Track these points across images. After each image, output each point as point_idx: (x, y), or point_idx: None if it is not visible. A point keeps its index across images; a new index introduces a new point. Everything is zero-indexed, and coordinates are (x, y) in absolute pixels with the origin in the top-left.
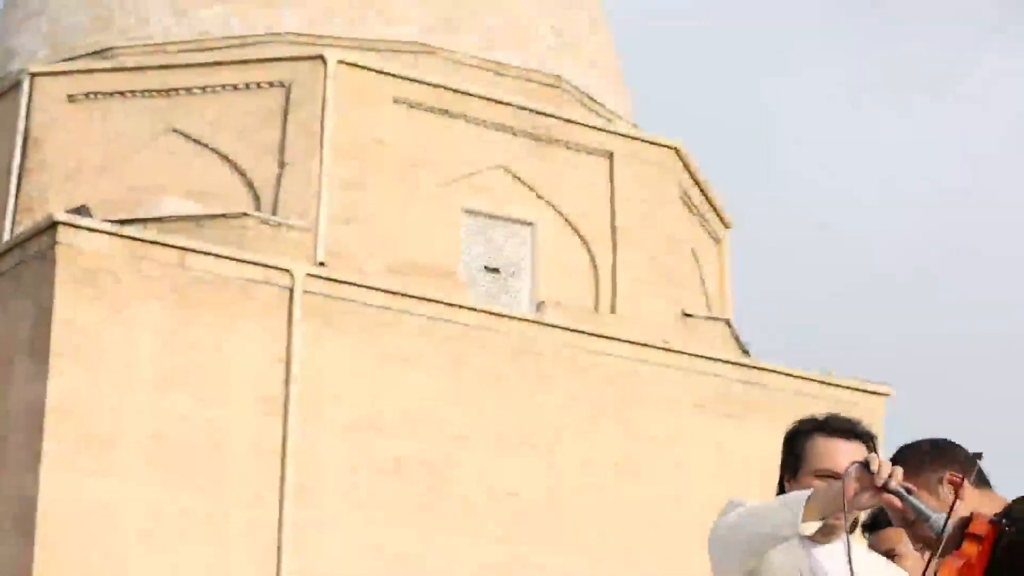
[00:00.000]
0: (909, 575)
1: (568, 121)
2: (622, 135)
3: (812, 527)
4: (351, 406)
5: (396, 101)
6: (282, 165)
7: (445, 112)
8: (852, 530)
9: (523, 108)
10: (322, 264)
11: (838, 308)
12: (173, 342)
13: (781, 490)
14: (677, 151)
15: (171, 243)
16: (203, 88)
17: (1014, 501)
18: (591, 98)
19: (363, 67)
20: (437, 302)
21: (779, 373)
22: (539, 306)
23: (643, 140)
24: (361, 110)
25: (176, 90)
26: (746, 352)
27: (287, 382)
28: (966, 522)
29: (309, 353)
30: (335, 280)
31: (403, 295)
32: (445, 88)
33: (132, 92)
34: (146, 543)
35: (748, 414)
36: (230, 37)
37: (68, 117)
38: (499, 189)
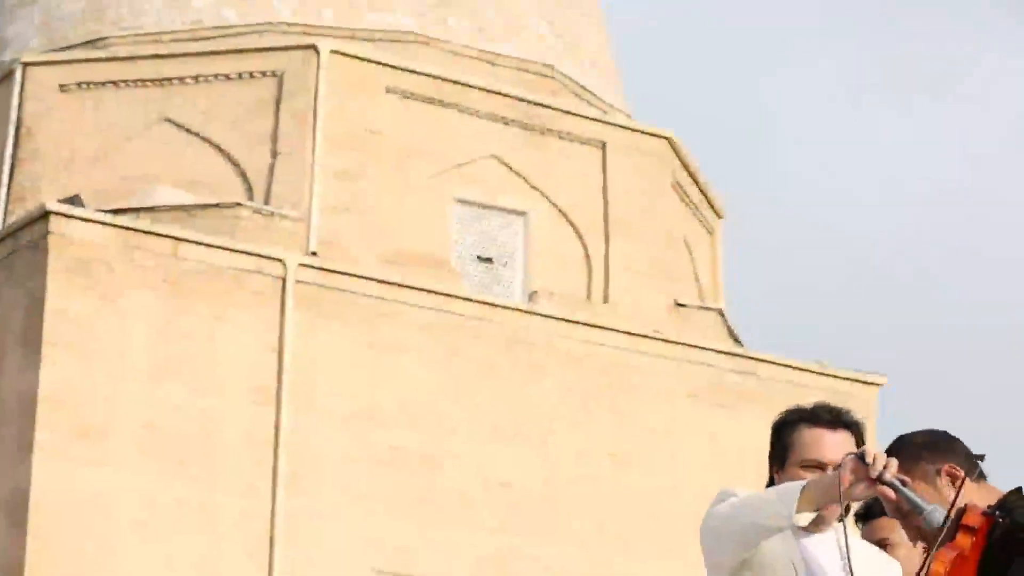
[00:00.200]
0: (901, 564)
1: (561, 111)
2: (615, 125)
3: (806, 518)
4: (344, 396)
5: (389, 91)
6: (275, 155)
7: (438, 102)
8: (846, 514)
9: (516, 98)
10: (315, 254)
11: (831, 298)
12: (166, 332)
13: (771, 481)
14: (670, 142)
15: (164, 233)
16: (196, 78)
17: (1008, 493)
18: (585, 88)
19: (356, 57)
20: (430, 292)
21: (772, 363)
22: (532, 296)
23: (636, 131)
24: (354, 100)
25: (169, 80)
26: (739, 342)
27: (280, 372)
28: (960, 514)
29: (302, 343)
30: (328, 270)
31: (396, 285)
32: (438, 78)
33: (125, 82)
34: (139, 533)
35: (741, 404)
36: (223, 27)
37: (61, 106)
38: (492, 179)
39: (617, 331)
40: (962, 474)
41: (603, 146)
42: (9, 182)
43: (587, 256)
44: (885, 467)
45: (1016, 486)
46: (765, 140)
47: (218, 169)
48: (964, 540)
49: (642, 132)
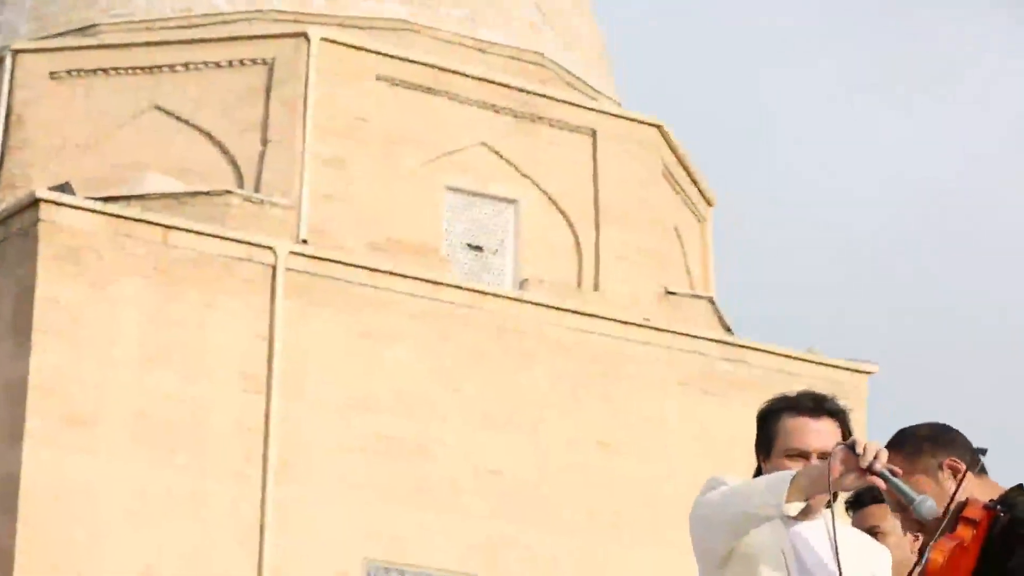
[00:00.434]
0: (891, 552)
1: (551, 99)
2: (606, 113)
3: (796, 507)
4: (334, 384)
5: (379, 78)
6: (265, 142)
7: (428, 90)
8: (834, 500)
9: (507, 86)
10: (305, 242)
11: (822, 287)
12: (156, 319)
13: (758, 471)
14: (661, 129)
15: (154, 220)
16: (186, 65)
17: (1010, 489)
18: (575, 76)
19: (346, 44)
20: (420, 280)
21: (763, 351)
22: (522, 284)
23: (627, 118)
24: (345, 88)
25: (159, 67)
26: (729, 330)
27: (270, 360)
28: (962, 506)
29: (292, 330)
30: (318, 258)
31: (386, 273)
32: (429, 66)
33: (115, 69)
34: (129, 520)
35: (732, 392)
36: (213, 14)
37: (51, 94)
38: (483, 167)
39: (607, 319)
40: (963, 467)
41: (594, 134)
42: None
43: (577, 244)
44: (875, 457)
45: (1018, 483)
46: (758, 130)
47: (208, 157)
48: (965, 532)
49: (633, 120)
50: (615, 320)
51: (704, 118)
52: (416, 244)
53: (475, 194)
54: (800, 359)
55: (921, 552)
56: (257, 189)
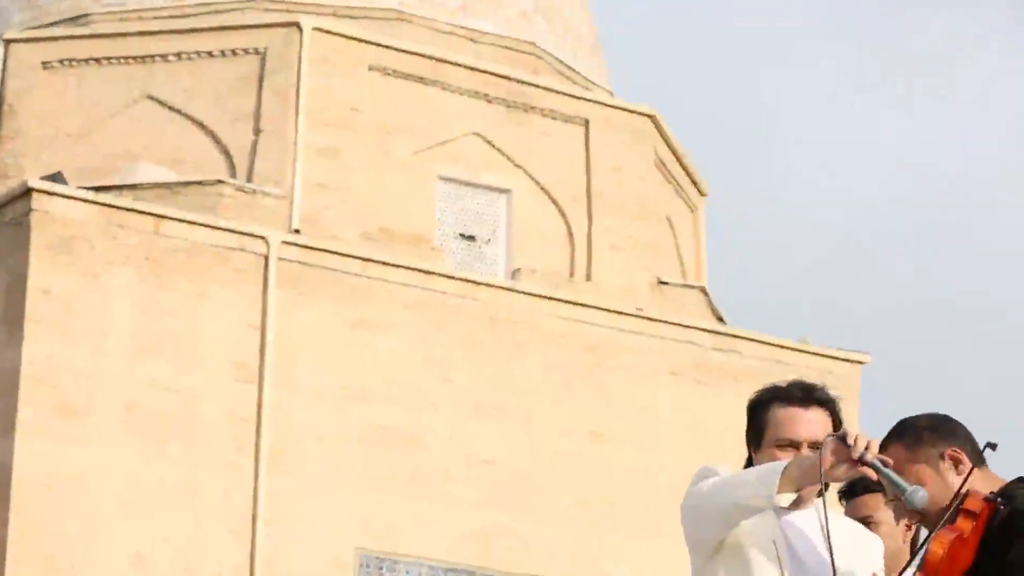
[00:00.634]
0: (883, 542)
1: (544, 89)
2: (598, 103)
3: (787, 498)
4: (327, 373)
5: (371, 68)
6: (257, 132)
7: (421, 79)
8: (825, 489)
9: (499, 76)
10: (297, 231)
11: (815, 276)
12: (148, 309)
13: (749, 461)
14: (653, 119)
15: (146, 210)
16: (178, 55)
17: (1010, 482)
18: (567, 66)
19: (339, 34)
20: (412, 269)
21: (755, 341)
22: (514, 273)
23: (619, 108)
24: (336, 77)
25: (151, 57)
26: (722, 320)
27: (262, 349)
28: (962, 498)
29: (284, 320)
30: (310, 247)
31: (378, 262)
32: (421, 55)
33: (107, 59)
34: (121, 510)
35: (724, 382)
36: (205, 4)
37: (43, 84)
38: (474, 156)
39: (600, 309)
40: (964, 457)
41: (586, 124)
42: None
43: (570, 234)
44: (867, 448)
45: (1018, 475)
46: (751, 120)
47: (201, 146)
48: (964, 524)
49: (625, 110)
50: (607, 310)
51: (697, 108)
52: (409, 234)
53: (468, 184)
54: (792, 349)
55: (914, 542)
56: (249, 179)
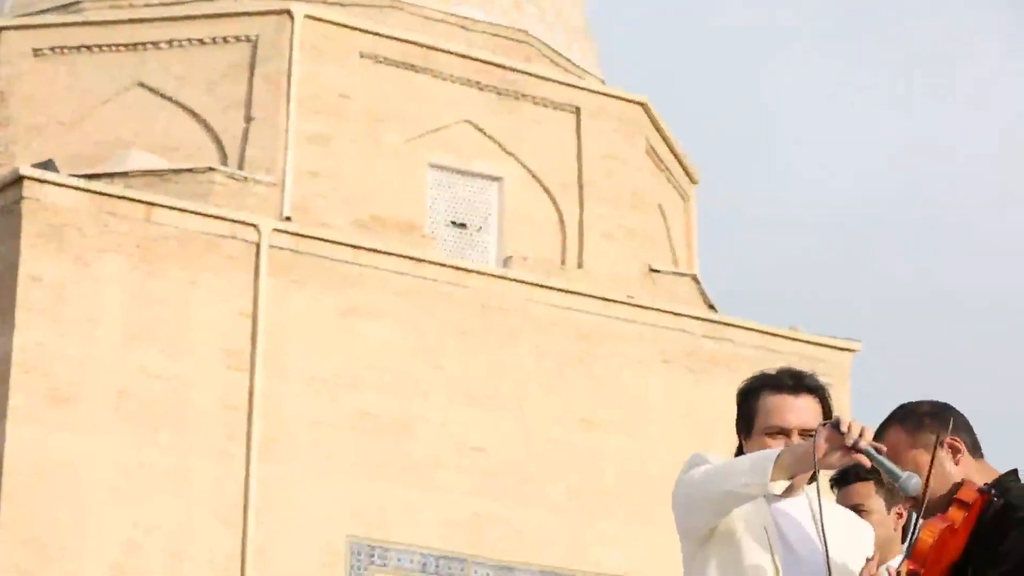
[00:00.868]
0: (875, 530)
1: (535, 76)
2: (589, 90)
3: (780, 486)
4: (317, 361)
5: (363, 56)
6: (249, 120)
7: (412, 67)
8: (815, 477)
9: (490, 63)
10: (289, 219)
11: (806, 264)
12: (139, 297)
13: (740, 449)
14: (645, 107)
15: (137, 198)
16: (169, 42)
17: (1004, 474)
18: (558, 53)
19: (330, 22)
20: (404, 257)
21: (746, 329)
22: (506, 261)
23: (610, 95)
24: (328, 65)
25: (143, 44)
26: (713, 308)
27: (254, 337)
28: (956, 487)
29: (276, 308)
30: (302, 235)
31: (370, 250)
32: (412, 43)
33: (98, 46)
34: (112, 498)
35: (715, 370)
36: None
37: (34, 71)
38: (466, 144)
39: (591, 296)
40: (963, 447)
41: (577, 111)
42: None
43: (561, 221)
44: (860, 435)
45: (1012, 468)
46: (743, 108)
47: (192, 134)
48: (956, 514)
49: (617, 98)
50: (599, 297)
51: (689, 96)
52: (400, 221)
53: (459, 171)
54: (784, 337)
55: (905, 530)
56: (241, 166)
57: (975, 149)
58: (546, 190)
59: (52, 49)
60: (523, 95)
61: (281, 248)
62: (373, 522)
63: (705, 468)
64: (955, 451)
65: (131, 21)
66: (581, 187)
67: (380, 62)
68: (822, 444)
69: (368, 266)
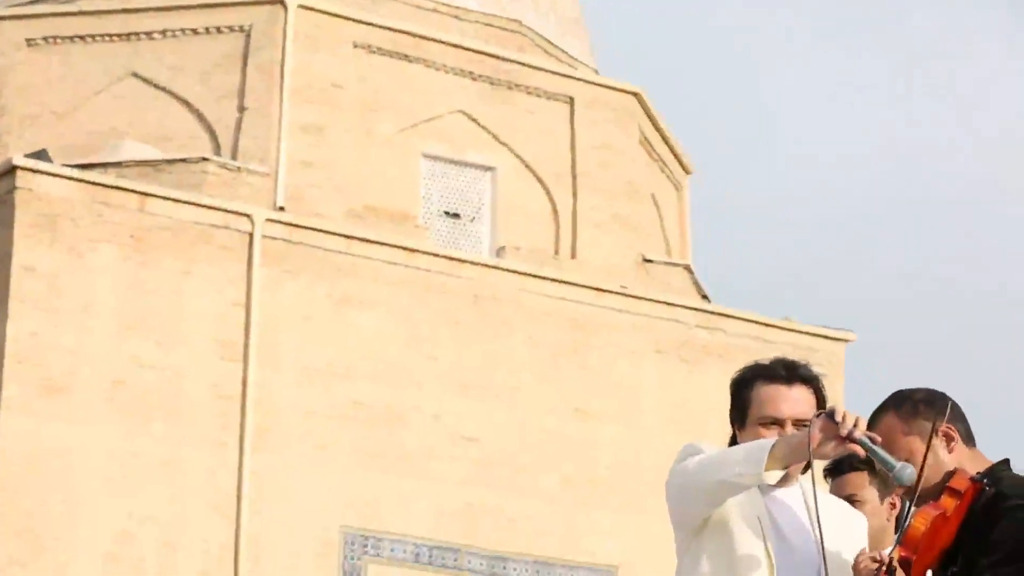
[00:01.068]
0: (868, 520)
1: (529, 66)
2: (583, 80)
3: (774, 476)
4: (311, 351)
5: (356, 45)
6: (242, 109)
7: (405, 57)
8: (806, 469)
9: (483, 53)
10: (282, 209)
11: (800, 254)
12: (133, 287)
13: (733, 439)
14: (638, 97)
15: (131, 188)
16: (163, 32)
17: (996, 463)
18: (552, 43)
19: (323, 12)
20: (397, 247)
21: (740, 319)
22: (499, 251)
23: (604, 85)
24: (321, 54)
25: (136, 34)
26: (706, 298)
27: (247, 327)
28: (949, 476)
29: (269, 298)
30: (295, 225)
31: (363, 240)
32: (405, 33)
33: (92, 36)
34: (105, 488)
35: (708, 360)
36: None
37: (28, 61)
38: (459, 134)
39: (584, 287)
40: (957, 435)
41: (571, 101)
42: None
43: (555, 212)
44: (855, 425)
45: (1005, 457)
46: (736, 97)
47: (185, 124)
48: (948, 502)
49: (610, 87)
50: (592, 288)
51: (682, 86)
52: (393, 211)
53: (452, 161)
54: (777, 327)
55: (898, 520)
56: (234, 156)
57: (970, 143)
58: (539, 180)
59: (46, 39)
60: (516, 85)
61: (274, 238)
62: (367, 512)
63: (699, 458)
64: (949, 439)
65: (124, 11)
66: (574, 177)
67: (373, 52)
68: (816, 434)
69: (361, 256)
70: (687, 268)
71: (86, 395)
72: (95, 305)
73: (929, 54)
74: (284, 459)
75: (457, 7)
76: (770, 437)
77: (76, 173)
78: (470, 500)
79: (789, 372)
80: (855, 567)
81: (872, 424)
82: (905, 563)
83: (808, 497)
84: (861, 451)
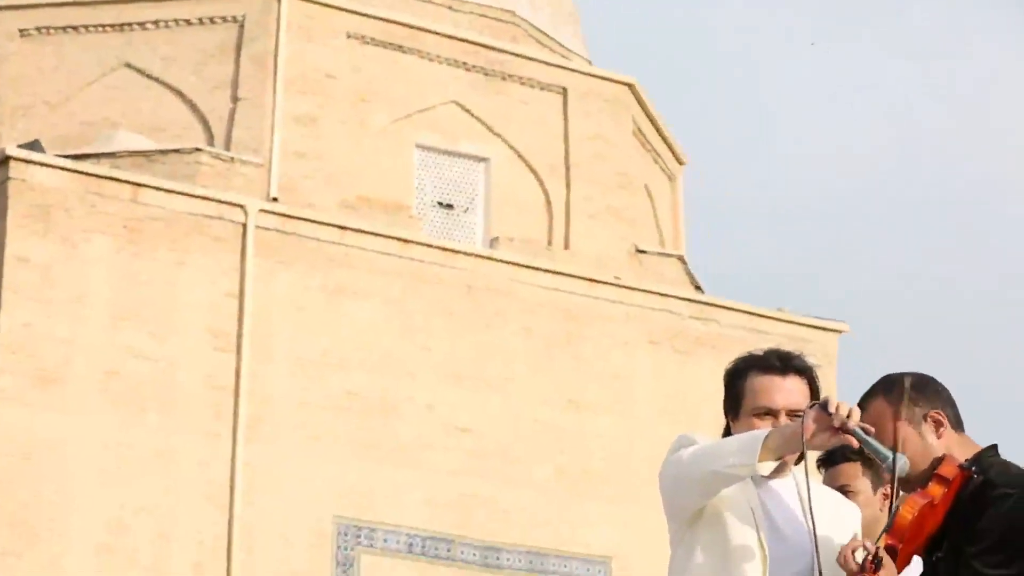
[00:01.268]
0: (861, 511)
1: (522, 57)
2: (576, 71)
3: (768, 467)
4: (304, 341)
5: (350, 36)
6: (235, 100)
7: (399, 47)
8: (799, 460)
9: (477, 43)
10: (275, 199)
11: (793, 245)
12: (126, 277)
13: (727, 430)
14: (632, 87)
15: (124, 178)
16: (156, 23)
17: (984, 449)
18: (545, 34)
19: (316, 2)
20: (390, 238)
21: (733, 310)
22: (492, 242)
23: (597, 76)
24: (315, 45)
25: (129, 25)
26: (700, 288)
27: (240, 317)
28: (937, 462)
29: (262, 288)
30: (288, 216)
31: (356, 230)
32: (399, 23)
33: (85, 27)
34: (99, 478)
35: (702, 351)
36: None
37: (21, 52)
38: (453, 125)
39: (578, 277)
40: (945, 421)
41: (564, 92)
42: None
43: (548, 202)
44: (848, 416)
45: (992, 443)
46: (730, 88)
47: (179, 114)
48: (936, 489)
49: (603, 78)
50: (585, 278)
51: (676, 77)
52: (387, 202)
53: (445, 152)
54: (770, 318)
55: (890, 509)
56: (227, 147)
57: (970, 143)
58: (533, 171)
59: (39, 29)
60: (510, 76)
61: (268, 229)
62: (360, 503)
63: (693, 449)
64: (938, 425)
65: (118, 1)
66: (568, 168)
67: (367, 42)
68: (810, 424)
69: (355, 247)
70: (680, 259)
71: (79, 386)
72: (88, 296)
73: (929, 54)
74: (277, 449)
75: None
76: (764, 428)
77: (69, 163)
78: (464, 491)
79: (783, 363)
80: (840, 560)
81: (861, 409)
82: (892, 551)
83: (801, 488)
84: (854, 442)
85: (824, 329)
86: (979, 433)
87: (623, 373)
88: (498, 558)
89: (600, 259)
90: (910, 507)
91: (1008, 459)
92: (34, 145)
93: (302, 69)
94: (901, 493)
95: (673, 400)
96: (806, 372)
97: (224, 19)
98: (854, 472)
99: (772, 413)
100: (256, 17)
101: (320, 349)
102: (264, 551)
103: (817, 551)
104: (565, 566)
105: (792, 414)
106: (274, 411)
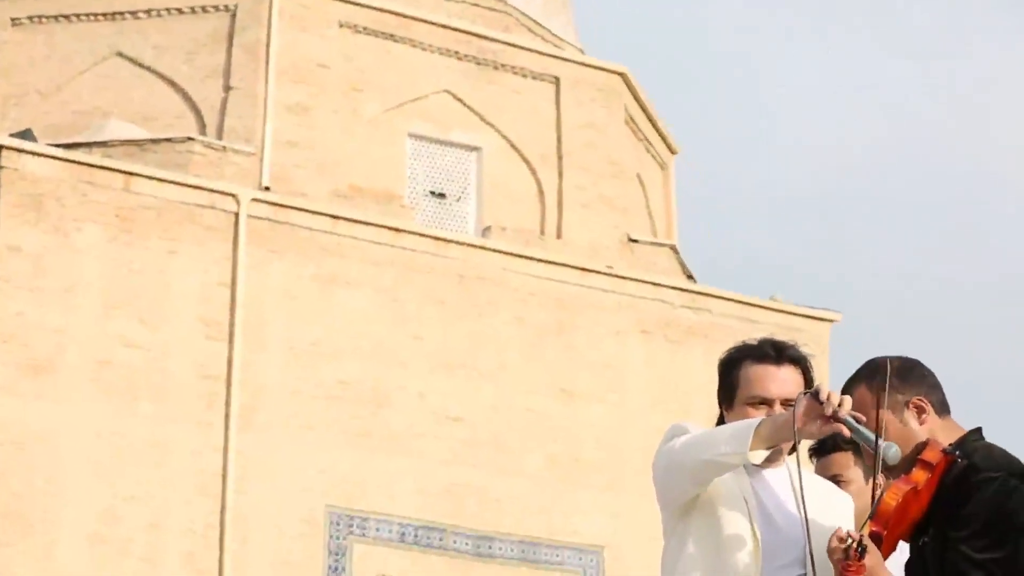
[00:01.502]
0: (854, 500)
1: (514, 46)
2: (568, 60)
3: (760, 455)
4: (296, 330)
5: (342, 25)
6: (228, 89)
7: (391, 36)
8: (793, 450)
9: (469, 33)
10: (267, 188)
11: (785, 234)
12: (118, 266)
13: (721, 419)
14: (624, 77)
15: (116, 167)
16: (148, 12)
17: (968, 433)
18: (537, 23)
19: None
20: (382, 227)
21: (725, 299)
22: (485, 231)
23: (589, 65)
24: (307, 34)
25: (121, 13)
26: (692, 278)
27: (232, 307)
28: (921, 448)
29: (254, 277)
30: (280, 205)
31: (348, 220)
32: (391, 12)
33: (76, 16)
34: (91, 467)
35: (694, 340)
36: None
37: (12, 41)
38: (445, 114)
39: (570, 266)
40: (928, 406)
41: (556, 81)
42: None
43: (540, 191)
44: (840, 404)
45: (976, 426)
46: (722, 77)
47: (171, 103)
48: (920, 475)
49: (596, 67)
50: (578, 267)
51: (668, 66)
52: (379, 191)
53: (438, 141)
54: (763, 307)
55: (873, 496)
56: (219, 136)
57: (970, 143)
58: (525, 160)
59: (30, 18)
60: (502, 65)
61: (260, 218)
62: (352, 492)
63: (685, 438)
64: (920, 411)
65: None
66: (560, 157)
67: (359, 32)
68: (801, 414)
69: (347, 236)
70: (672, 248)
71: (71, 375)
72: (80, 285)
73: (929, 54)
74: (270, 439)
75: None
76: (758, 417)
77: (61, 152)
78: (456, 480)
79: (777, 352)
80: (828, 550)
81: (845, 394)
82: (876, 538)
83: (794, 477)
84: (846, 430)
85: (816, 318)
86: (976, 424)
87: (615, 362)
88: (490, 547)
89: (592, 248)
90: (894, 493)
91: (992, 442)
92: (26, 134)
93: (294, 58)
94: (885, 480)
95: (665, 389)
96: (800, 362)
97: (216, 8)
98: (846, 461)
99: (767, 402)
100: (248, 6)
101: (312, 338)
102: (256, 540)
103: (809, 540)
104: (557, 555)
105: (786, 403)
106: (266, 400)
